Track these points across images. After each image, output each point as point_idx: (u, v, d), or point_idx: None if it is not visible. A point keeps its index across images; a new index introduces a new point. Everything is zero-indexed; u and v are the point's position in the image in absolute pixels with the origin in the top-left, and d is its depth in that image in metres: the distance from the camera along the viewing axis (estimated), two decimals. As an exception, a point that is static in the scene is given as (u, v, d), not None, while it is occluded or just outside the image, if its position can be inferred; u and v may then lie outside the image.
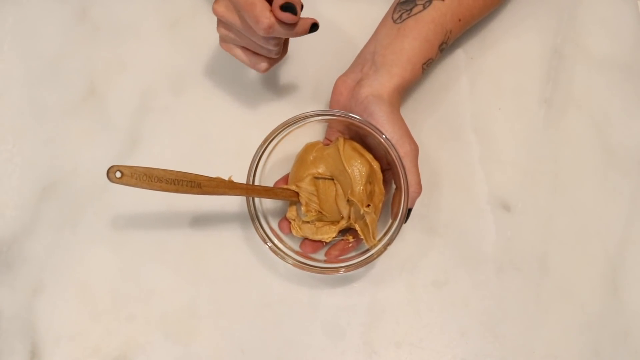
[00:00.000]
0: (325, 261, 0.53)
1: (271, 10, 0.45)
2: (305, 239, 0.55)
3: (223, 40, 0.52)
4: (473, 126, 0.60)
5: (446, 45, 0.56)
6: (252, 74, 0.61)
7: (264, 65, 0.52)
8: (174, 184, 0.47)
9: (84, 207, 0.58)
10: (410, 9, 0.54)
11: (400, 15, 0.54)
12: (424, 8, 0.54)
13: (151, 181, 0.46)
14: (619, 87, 0.61)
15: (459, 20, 0.56)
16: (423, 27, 0.54)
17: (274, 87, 0.59)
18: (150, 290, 0.56)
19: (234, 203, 0.58)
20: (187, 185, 0.48)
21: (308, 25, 0.48)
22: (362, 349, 0.54)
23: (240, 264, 0.56)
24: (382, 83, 0.52)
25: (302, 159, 0.55)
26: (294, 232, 0.54)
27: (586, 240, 0.57)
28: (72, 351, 0.54)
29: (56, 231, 0.57)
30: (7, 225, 0.58)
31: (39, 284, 0.56)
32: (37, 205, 0.58)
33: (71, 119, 0.61)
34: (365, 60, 0.54)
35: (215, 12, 0.49)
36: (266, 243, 0.52)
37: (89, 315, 0.55)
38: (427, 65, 0.55)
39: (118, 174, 0.45)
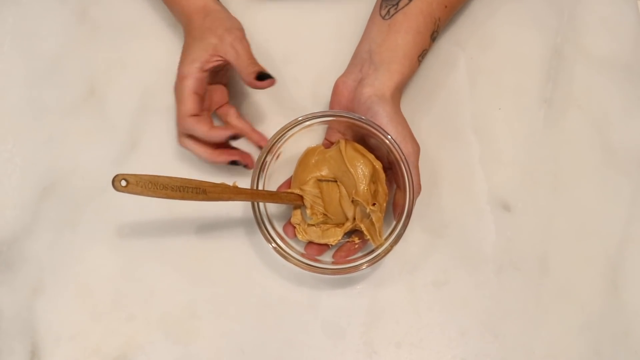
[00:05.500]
0: (333, 263, 0.53)
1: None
2: (311, 242, 0.55)
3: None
4: (473, 126, 0.60)
5: (437, 33, 0.56)
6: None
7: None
8: (179, 191, 0.47)
9: (84, 207, 0.58)
10: (397, 3, 0.54)
11: (388, 11, 0.54)
12: (410, 0, 0.54)
13: (157, 189, 0.46)
14: (619, 87, 0.61)
15: (445, 6, 0.56)
16: (413, 19, 0.54)
17: (273, 87, 0.59)
18: (151, 290, 0.56)
19: (234, 204, 0.58)
20: (192, 192, 0.48)
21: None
22: (362, 349, 0.54)
23: (240, 264, 0.56)
24: (384, 82, 0.52)
25: (305, 162, 0.55)
26: (299, 237, 0.54)
27: (586, 240, 0.57)
28: (72, 351, 0.54)
29: (56, 231, 0.57)
30: (7, 225, 0.58)
31: (39, 284, 0.56)
32: (37, 205, 0.58)
33: (71, 119, 0.61)
34: (363, 60, 0.54)
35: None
36: (280, 254, 0.52)
37: (89, 315, 0.55)
38: (422, 57, 0.55)
39: (123, 183, 0.45)
